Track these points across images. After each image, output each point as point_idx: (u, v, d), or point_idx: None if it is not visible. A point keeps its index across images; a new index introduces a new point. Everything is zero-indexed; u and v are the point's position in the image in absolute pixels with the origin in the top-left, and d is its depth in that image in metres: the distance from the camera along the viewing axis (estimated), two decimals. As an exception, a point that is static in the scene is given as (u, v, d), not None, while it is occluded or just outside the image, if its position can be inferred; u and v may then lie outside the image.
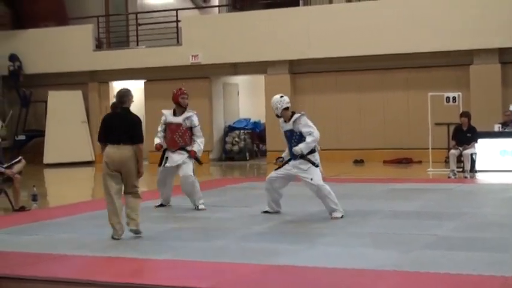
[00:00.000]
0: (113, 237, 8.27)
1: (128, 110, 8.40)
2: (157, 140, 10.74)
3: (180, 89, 10.74)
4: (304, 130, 9.33)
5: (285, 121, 9.55)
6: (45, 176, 19.30)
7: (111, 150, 8.25)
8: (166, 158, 10.66)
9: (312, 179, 9.31)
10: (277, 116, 9.61)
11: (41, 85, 22.29)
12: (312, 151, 9.39)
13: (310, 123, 9.43)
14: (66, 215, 10.36)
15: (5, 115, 22.17)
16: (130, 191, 8.32)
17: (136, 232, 8.31)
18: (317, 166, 9.37)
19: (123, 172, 8.24)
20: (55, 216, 10.39)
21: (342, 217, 9.33)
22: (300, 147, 9.28)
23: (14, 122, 22.36)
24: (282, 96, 9.56)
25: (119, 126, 8.27)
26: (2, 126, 16.30)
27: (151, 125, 21.71)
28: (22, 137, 22.10)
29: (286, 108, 9.51)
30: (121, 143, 8.20)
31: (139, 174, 8.33)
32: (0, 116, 22.32)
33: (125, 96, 8.43)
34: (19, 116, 22.40)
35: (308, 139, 9.28)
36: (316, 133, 9.35)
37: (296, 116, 9.45)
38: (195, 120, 10.67)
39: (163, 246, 7.83)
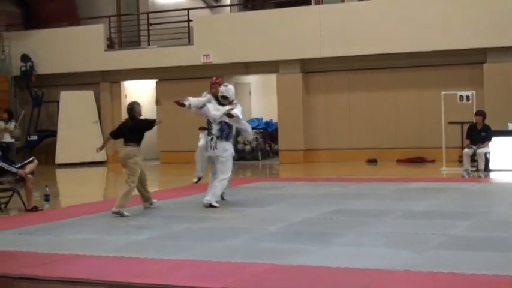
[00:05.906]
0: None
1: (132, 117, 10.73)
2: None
3: (212, 78, 11.71)
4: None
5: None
6: (57, 176, 19.34)
7: None
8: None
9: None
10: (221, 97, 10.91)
11: (52, 85, 22.34)
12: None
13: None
14: (78, 215, 10.37)
15: (17, 115, 22.23)
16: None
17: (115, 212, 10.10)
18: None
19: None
20: (68, 216, 10.41)
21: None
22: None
23: (26, 122, 22.44)
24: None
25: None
26: (15, 126, 16.32)
27: (163, 124, 21.69)
28: (34, 137, 22.15)
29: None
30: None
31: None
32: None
33: (132, 109, 10.69)
34: (31, 116, 22.47)
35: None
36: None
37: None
38: None
39: (177, 246, 7.82)
